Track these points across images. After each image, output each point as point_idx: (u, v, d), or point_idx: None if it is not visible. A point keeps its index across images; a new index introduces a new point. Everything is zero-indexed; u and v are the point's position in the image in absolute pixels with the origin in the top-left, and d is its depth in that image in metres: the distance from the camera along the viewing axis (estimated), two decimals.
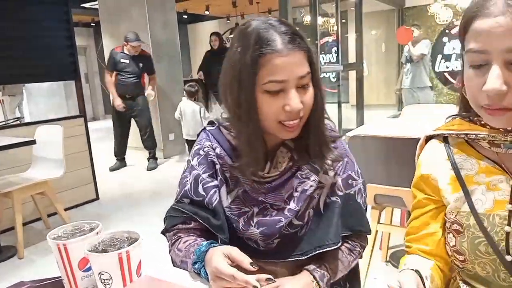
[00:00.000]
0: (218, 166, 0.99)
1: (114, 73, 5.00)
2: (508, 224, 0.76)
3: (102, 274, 0.78)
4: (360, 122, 5.68)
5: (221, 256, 0.81)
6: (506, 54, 0.66)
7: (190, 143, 5.18)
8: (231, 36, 8.23)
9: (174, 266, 0.99)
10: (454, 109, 0.91)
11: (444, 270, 0.90)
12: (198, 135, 1.07)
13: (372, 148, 1.98)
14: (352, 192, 1.01)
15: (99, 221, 0.92)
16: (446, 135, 0.89)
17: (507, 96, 0.67)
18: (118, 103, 4.97)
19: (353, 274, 1.08)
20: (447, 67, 6.44)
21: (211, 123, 1.07)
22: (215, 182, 0.98)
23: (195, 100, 5.24)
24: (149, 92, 5.24)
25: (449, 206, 0.85)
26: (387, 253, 2.62)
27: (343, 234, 0.97)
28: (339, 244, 0.94)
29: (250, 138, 0.89)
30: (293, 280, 0.90)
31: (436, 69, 6.44)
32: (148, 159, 5.44)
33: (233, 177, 0.98)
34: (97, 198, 4.20)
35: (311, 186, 0.96)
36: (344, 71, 7.02)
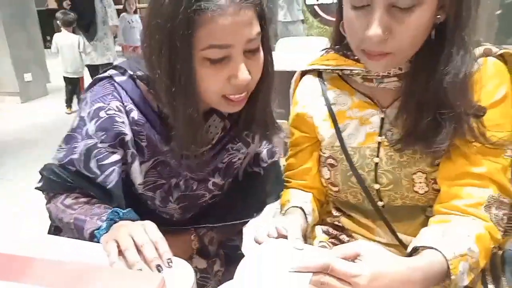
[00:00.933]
0: (129, 138, 0.77)
1: None
2: (377, 156, 0.80)
3: None
4: None
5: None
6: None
7: (70, 81, 4.60)
8: None
9: (52, 220, 0.85)
10: (327, 42, 0.90)
11: (320, 199, 0.96)
12: (93, 83, 0.81)
13: None
14: (276, 159, 0.97)
15: None
16: (321, 70, 0.88)
17: (387, 41, 0.66)
18: None
19: None
20: (317, 0, 6.67)
21: (117, 68, 0.80)
22: (116, 157, 0.77)
23: (74, 31, 4.55)
24: None
25: (324, 142, 0.87)
26: None
27: (274, 203, 0.93)
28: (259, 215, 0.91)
29: (188, 116, 0.71)
30: (171, 238, 0.83)
31: (307, 2, 6.63)
32: None
33: (150, 146, 0.79)
34: None
35: (239, 159, 0.88)
36: None
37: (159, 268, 0.60)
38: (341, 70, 0.83)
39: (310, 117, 0.88)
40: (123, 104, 0.77)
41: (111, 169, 0.76)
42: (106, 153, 0.76)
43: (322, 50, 0.90)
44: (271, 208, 1.00)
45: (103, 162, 0.76)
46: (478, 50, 0.72)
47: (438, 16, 0.67)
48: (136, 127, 0.77)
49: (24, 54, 5.01)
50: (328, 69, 0.86)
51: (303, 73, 0.92)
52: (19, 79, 5.15)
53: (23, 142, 3.82)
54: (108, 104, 0.76)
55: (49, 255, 0.64)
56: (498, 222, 0.70)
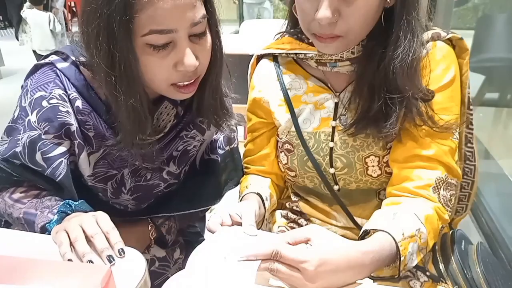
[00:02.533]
0: (74, 128, 0.73)
1: None
2: (332, 140, 0.80)
3: None
4: None
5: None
6: None
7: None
8: None
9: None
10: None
11: (279, 184, 0.96)
12: (33, 70, 0.76)
13: None
14: (235, 146, 0.95)
15: None
16: (276, 54, 0.86)
17: (337, 24, 0.67)
18: None
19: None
20: None
21: (58, 54, 0.75)
22: (63, 148, 0.73)
23: (45, 8, 4.43)
24: None
25: (280, 127, 0.86)
26: None
27: (232, 189, 0.92)
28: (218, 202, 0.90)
29: (131, 107, 0.67)
30: (127, 228, 0.78)
31: None
32: None
33: (97, 136, 0.76)
34: None
35: (194, 146, 0.85)
36: None
37: (110, 258, 0.58)
38: (296, 54, 0.83)
39: (266, 102, 0.87)
40: (66, 92, 0.72)
41: (58, 161, 0.72)
42: (51, 144, 0.72)
43: (277, 33, 0.89)
44: (233, 195, 1.00)
45: (49, 155, 0.72)
46: (427, 35, 0.73)
47: (388, 0, 0.68)
48: (81, 117, 0.74)
49: None
50: (283, 53, 0.85)
51: (259, 57, 0.91)
52: None
53: None
54: (50, 92, 0.72)
55: None
56: (446, 202, 0.72)
